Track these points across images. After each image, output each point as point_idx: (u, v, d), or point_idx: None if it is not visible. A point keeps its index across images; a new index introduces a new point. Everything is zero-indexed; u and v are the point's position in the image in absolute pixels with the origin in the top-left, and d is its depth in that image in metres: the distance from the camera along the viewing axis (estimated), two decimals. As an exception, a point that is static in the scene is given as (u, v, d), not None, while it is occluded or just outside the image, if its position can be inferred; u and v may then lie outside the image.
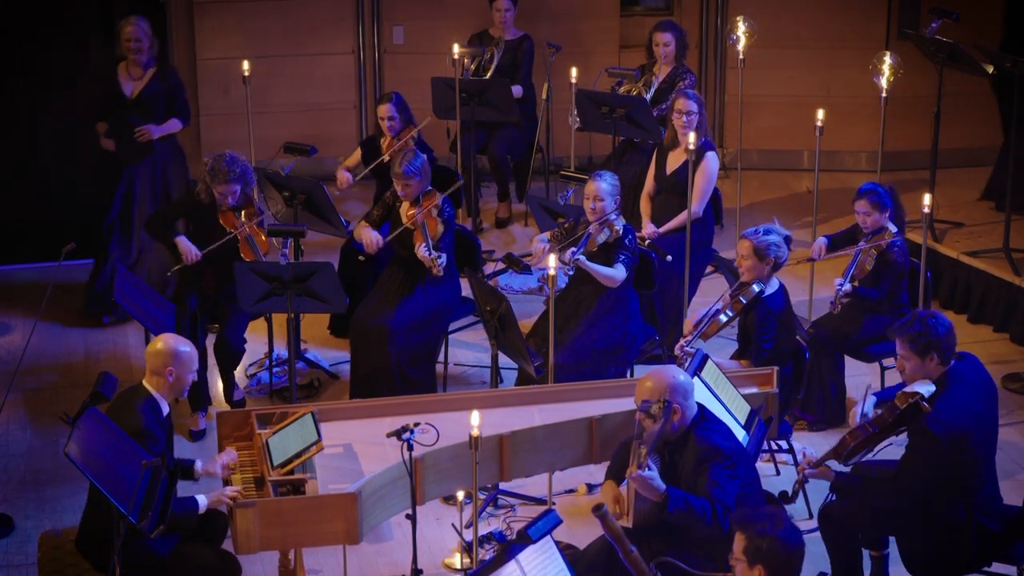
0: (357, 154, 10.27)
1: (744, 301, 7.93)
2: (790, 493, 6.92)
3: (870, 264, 8.58)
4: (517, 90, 11.20)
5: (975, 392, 6.70)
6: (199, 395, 8.77)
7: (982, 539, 6.71)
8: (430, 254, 8.69)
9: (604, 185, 8.51)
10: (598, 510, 5.78)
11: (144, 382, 6.89)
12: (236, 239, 8.86)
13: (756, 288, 7.92)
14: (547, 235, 8.91)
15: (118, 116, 10.03)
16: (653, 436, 6.38)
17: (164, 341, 6.92)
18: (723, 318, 7.97)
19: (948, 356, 6.71)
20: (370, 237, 9.01)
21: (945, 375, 6.70)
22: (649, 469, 6.31)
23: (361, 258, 9.13)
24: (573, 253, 8.41)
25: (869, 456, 6.85)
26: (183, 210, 9.15)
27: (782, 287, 8.07)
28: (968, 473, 6.66)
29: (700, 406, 6.64)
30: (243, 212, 8.94)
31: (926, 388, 6.67)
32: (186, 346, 6.93)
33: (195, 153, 12.06)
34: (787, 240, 8.08)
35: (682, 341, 8.04)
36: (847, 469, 6.95)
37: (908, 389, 6.71)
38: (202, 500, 6.74)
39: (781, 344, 7.95)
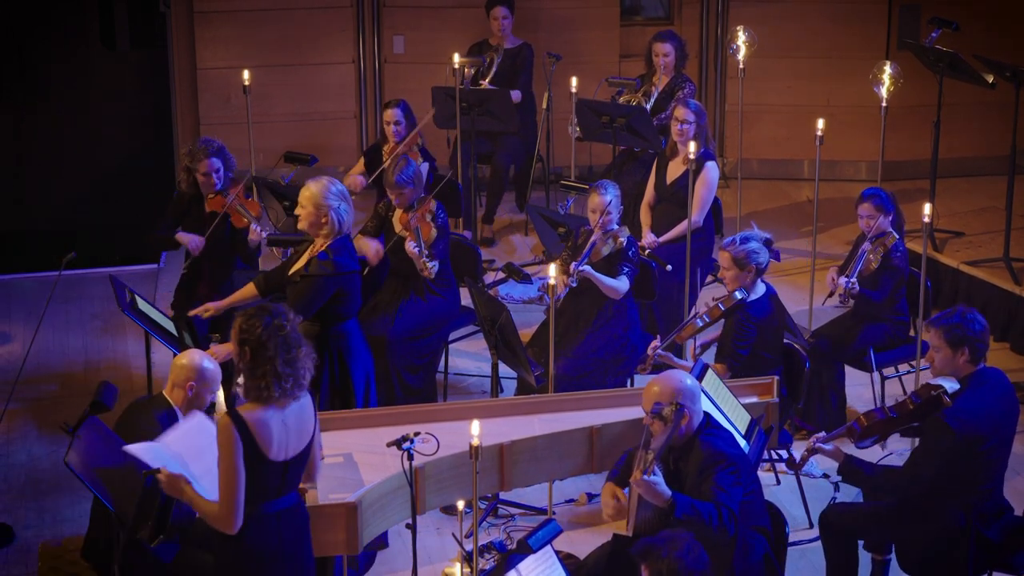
0: (360, 164, 10.27)
1: (722, 308, 7.93)
2: (797, 459, 6.94)
3: (876, 263, 8.58)
4: (516, 94, 11.17)
5: (998, 400, 6.70)
6: None
7: (980, 548, 6.69)
8: (420, 253, 8.66)
9: (609, 198, 8.51)
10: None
11: (165, 393, 6.93)
12: (228, 217, 8.83)
13: (739, 295, 7.93)
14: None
15: None
16: (661, 442, 6.36)
17: (189, 356, 6.95)
18: (699, 323, 7.99)
19: (978, 355, 6.71)
20: (370, 247, 8.96)
21: (971, 376, 6.71)
22: (655, 475, 6.31)
23: (363, 272, 9.06)
24: (577, 264, 8.41)
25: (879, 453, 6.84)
26: (175, 214, 9.10)
27: (768, 294, 8.04)
28: (975, 476, 6.65)
29: (706, 413, 6.63)
30: (229, 191, 8.93)
31: (950, 384, 6.69)
32: (210, 363, 6.96)
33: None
34: (767, 243, 8.06)
35: (655, 342, 8.05)
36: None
37: (933, 381, 6.72)
38: None
39: (760, 351, 7.93)
